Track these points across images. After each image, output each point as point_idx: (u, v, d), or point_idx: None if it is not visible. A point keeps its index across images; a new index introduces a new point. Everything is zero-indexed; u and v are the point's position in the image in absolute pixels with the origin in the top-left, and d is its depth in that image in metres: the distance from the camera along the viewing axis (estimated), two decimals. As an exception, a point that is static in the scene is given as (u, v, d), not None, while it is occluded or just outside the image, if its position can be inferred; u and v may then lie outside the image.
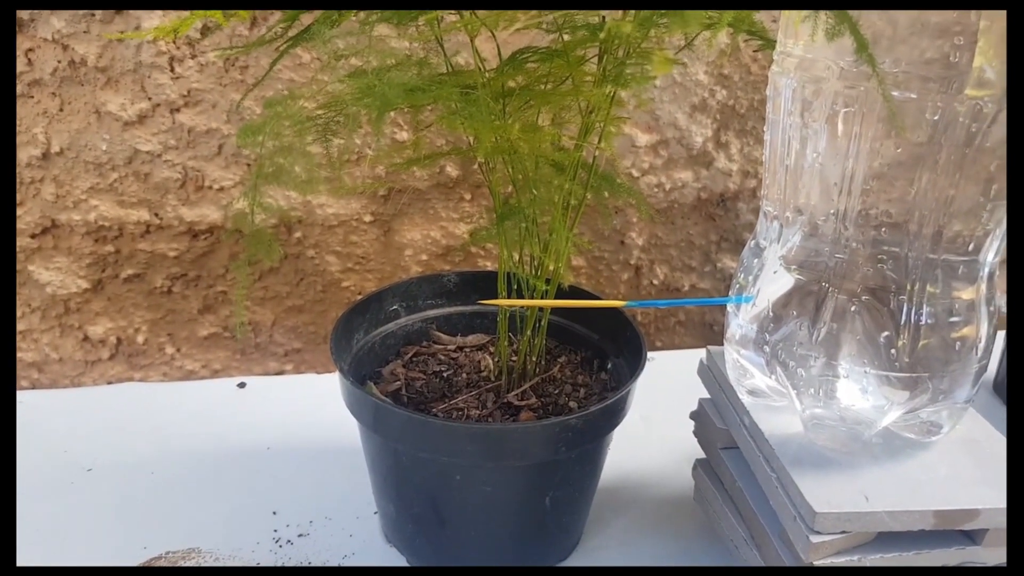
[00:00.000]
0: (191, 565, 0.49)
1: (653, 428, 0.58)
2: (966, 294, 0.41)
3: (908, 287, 0.41)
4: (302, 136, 0.37)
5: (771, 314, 0.44)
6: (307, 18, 0.45)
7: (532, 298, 0.48)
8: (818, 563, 0.41)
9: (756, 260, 0.46)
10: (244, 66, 0.70)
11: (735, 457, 0.48)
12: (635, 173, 0.80)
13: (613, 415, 0.45)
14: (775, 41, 0.44)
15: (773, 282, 0.44)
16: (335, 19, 0.43)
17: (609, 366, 0.53)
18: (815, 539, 0.40)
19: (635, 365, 0.47)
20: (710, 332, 0.88)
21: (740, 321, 0.45)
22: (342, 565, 0.49)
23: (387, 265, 0.79)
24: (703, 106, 0.79)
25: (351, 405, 0.45)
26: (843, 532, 0.40)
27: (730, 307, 0.47)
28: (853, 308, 0.41)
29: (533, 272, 0.47)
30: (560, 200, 0.43)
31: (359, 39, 0.54)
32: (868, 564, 0.41)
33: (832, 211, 0.41)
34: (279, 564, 0.49)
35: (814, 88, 0.40)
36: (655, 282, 0.85)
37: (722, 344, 0.49)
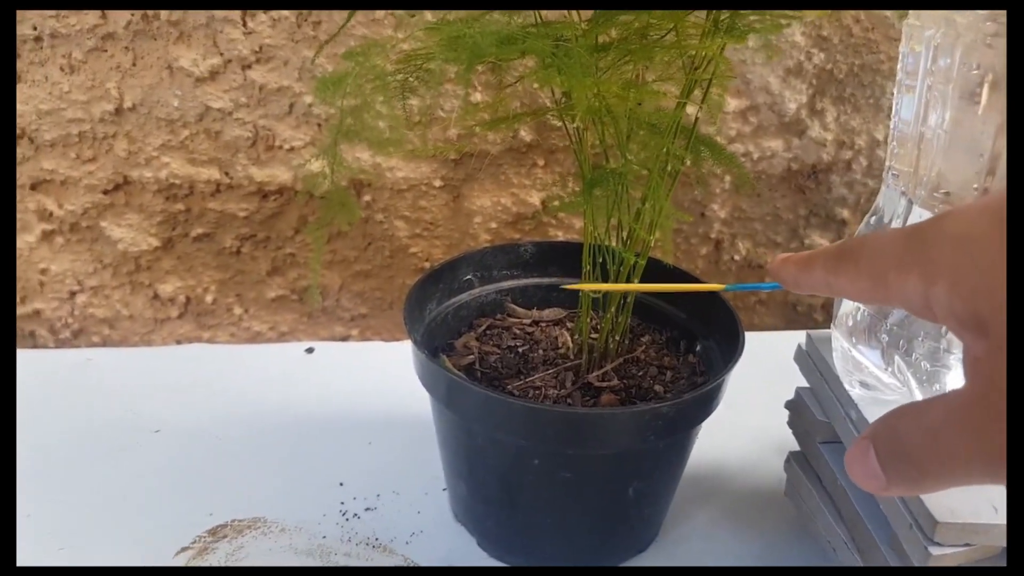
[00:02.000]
0: (255, 534, 0.47)
1: (740, 415, 0.54)
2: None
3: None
4: (385, 90, 0.34)
5: (890, 299, 0.39)
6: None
7: (619, 275, 0.44)
8: (933, 576, 0.37)
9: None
10: (316, 21, 0.67)
11: (837, 453, 0.44)
12: (721, 140, 0.75)
13: (707, 403, 0.41)
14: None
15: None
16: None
17: (698, 348, 0.49)
18: (935, 551, 0.36)
19: (730, 349, 0.44)
20: (793, 312, 0.83)
21: (854, 306, 0.41)
22: (410, 542, 0.47)
23: (455, 232, 0.77)
24: (798, 70, 0.73)
25: (424, 378, 0.43)
26: (966, 545, 0.36)
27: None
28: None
29: (623, 244, 0.44)
30: (657, 163, 0.39)
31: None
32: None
33: (976, 186, 0.36)
34: (345, 538, 0.48)
35: (960, 47, 0.35)
36: (736, 258, 0.80)
37: (811, 327, 0.45)
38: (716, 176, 0.77)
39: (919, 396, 0.39)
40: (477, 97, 0.70)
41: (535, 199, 0.76)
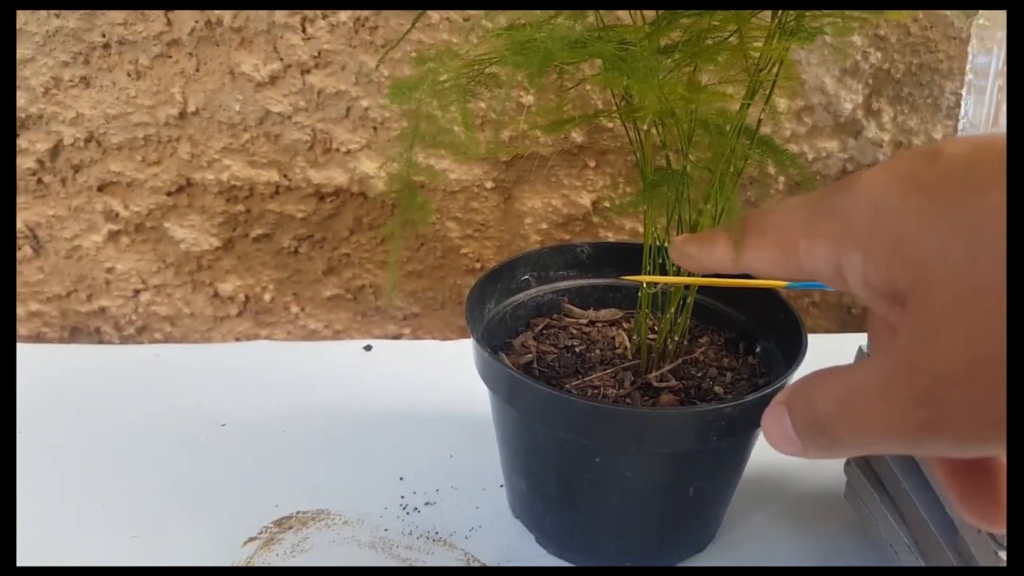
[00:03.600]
0: (320, 526, 0.49)
1: (796, 417, 0.53)
2: None
3: None
4: (459, 95, 0.35)
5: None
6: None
7: (678, 275, 0.44)
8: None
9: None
10: (374, 27, 0.69)
11: (900, 457, 0.44)
12: (775, 141, 0.74)
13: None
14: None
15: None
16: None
17: (757, 349, 0.49)
18: (1004, 555, 0.35)
19: (793, 351, 0.44)
20: (847, 315, 0.82)
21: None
22: (469, 537, 0.48)
23: (506, 233, 0.77)
24: (854, 69, 0.72)
25: (485, 375, 0.44)
26: (1036, 549, 0.35)
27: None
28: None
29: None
30: (721, 163, 0.40)
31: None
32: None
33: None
34: (406, 531, 0.49)
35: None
36: (789, 259, 0.80)
37: (864, 330, 0.45)
38: (770, 176, 0.76)
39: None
40: (529, 100, 0.70)
41: (586, 200, 0.76)
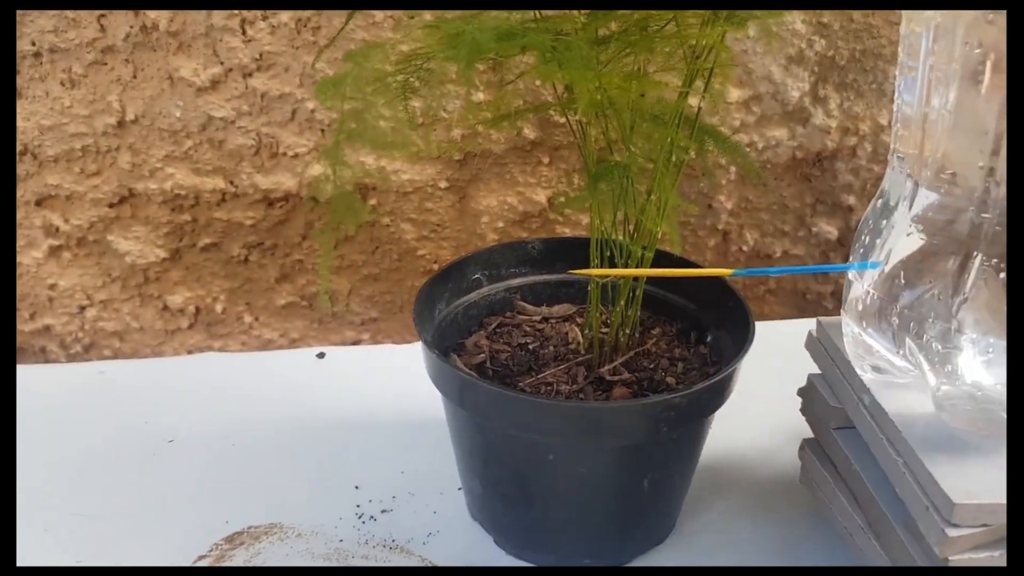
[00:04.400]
0: (272, 540, 0.48)
1: (753, 404, 0.53)
2: None
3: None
4: (386, 91, 0.34)
5: (903, 280, 0.39)
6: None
7: (627, 267, 0.44)
8: (953, 559, 0.36)
9: (884, 221, 0.41)
10: (316, 27, 0.68)
11: (851, 438, 0.44)
12: (725, 131, 0.74)
13: (719, 393, 0.41)
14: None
15: (904, 245, 0.39)
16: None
17: (708, 339, 0.49)
18: (952, 532, 0.35)
19: (741, 338, 0.43)
20: (803, 300, 0.83)
21: (864, 290, 0.41)
22: (427, 543, 0.48)
23: (463, 233, 0.77)
24: (800, 58, 0.73)
25: (436, 378, 0.43)
26: (984, 525, 0.36)
27: (851, 275, 0.42)
28: (999, 278, 0.36)
29: (629, 237, 0.44)
30: (662, 155, 0.39)
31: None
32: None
33: (980, 165, 0.36)
34: (362, 541, 0.48)
35: (961, 27, 0.35)
36: (744, 248, 0.80)
37: (822, 314, 0.45)
38: (722, 167, 0.76)
39: (931, 379, 0.39)
40: (480, 96, 0.70)
41: (541, 197, 0.76)
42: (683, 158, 0.42)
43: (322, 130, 0.71)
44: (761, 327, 0.75)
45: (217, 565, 0.46)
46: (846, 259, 0.44)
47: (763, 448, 0.55)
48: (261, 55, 0.67)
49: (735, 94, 0.73)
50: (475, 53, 0.31)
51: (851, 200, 0.79)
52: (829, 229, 0.80)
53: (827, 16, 0.72)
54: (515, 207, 0.76)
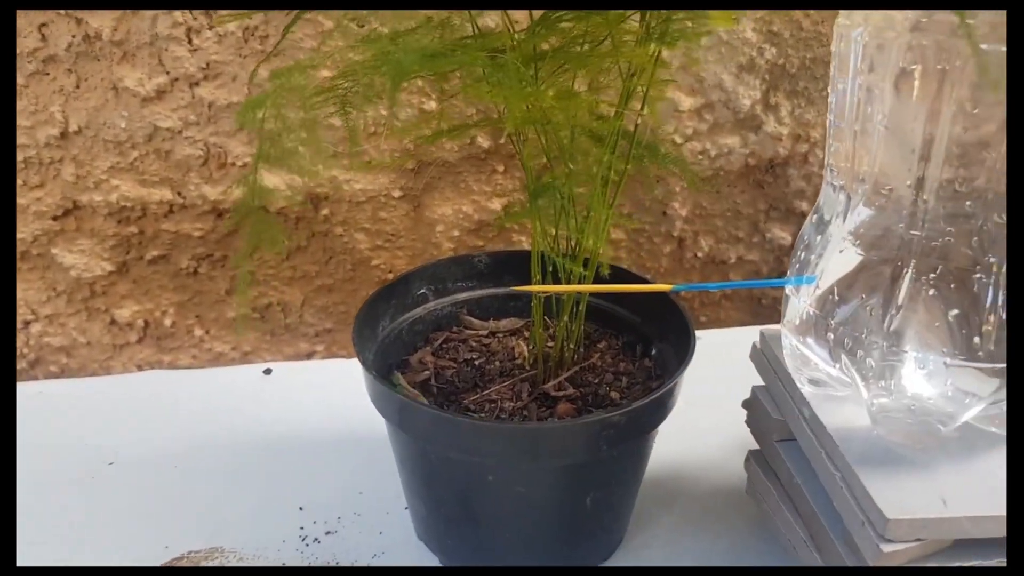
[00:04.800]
0: (214, 566, 0.47)
1: (701, 414, 0.54)
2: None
3: (994, 266, 0.36)
4: (308, 112, 0.34)
5: (836, 296, 0.39)
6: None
7: (569, 281, 0.44)
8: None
9: (819, 237, 0.41)
10: (264, 35, 0.67)
11: (793, 450, 0.44)
12: (678, 139, 0.75)
13: (659, 409, 0.41)
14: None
15: (839, 260, 0.39)
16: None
17: (653, 352, 0.49)
18: (886, 548, 0.36)
19: (682, 352, 0.43)
20: (758, 306, 0.84)
21: (800, 304, 0.41)
22: (371, 565, 0.47)
23: (418, 242, 0.76)
24: (751, 66, 0.73)
25: (375, 401, 0.42)
26: (917, 540, 0.36)
27: (789, 289, 0.42)
28: (931, 290, 0.37)
29: (571, 251, 0.43)
30: (599, 174, 0.39)
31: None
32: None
33: (909, 181, 0.36)
34: (305, 564, 0.47)
35: (888, 41, 0.35)
36: (699, 255, 0.80)
37: (775, 324, 0.45)
38: (675, 175, 0.77)
39: (865, 393, 0.39)
40: (432, 105, 0.69)
41: (496, 205, 0.75)
42: (617, 176, 0.42)
43: (272, 139, 0.70)
44: (713, 335, 0.76)
45: (156, 591, 0.45)
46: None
47: (711, 459, 0.55)
48: (208, 64, 0.66)
49: (687, 102, 0.73)
50: (400, 75, 0.31)
51: (804, 206, 0.80)
52: (783, 235, 0.81)
53: (777, 25, 0.72)
54: (470, 215, 0.76)
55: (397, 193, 0.73)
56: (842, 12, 0.37)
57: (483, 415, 0.44)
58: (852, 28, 0.36)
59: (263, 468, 0.55)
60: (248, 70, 0.67)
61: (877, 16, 0.35)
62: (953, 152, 0.35)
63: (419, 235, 0.76)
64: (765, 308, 0.84)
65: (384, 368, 0.48)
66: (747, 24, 0.72)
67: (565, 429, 0.39)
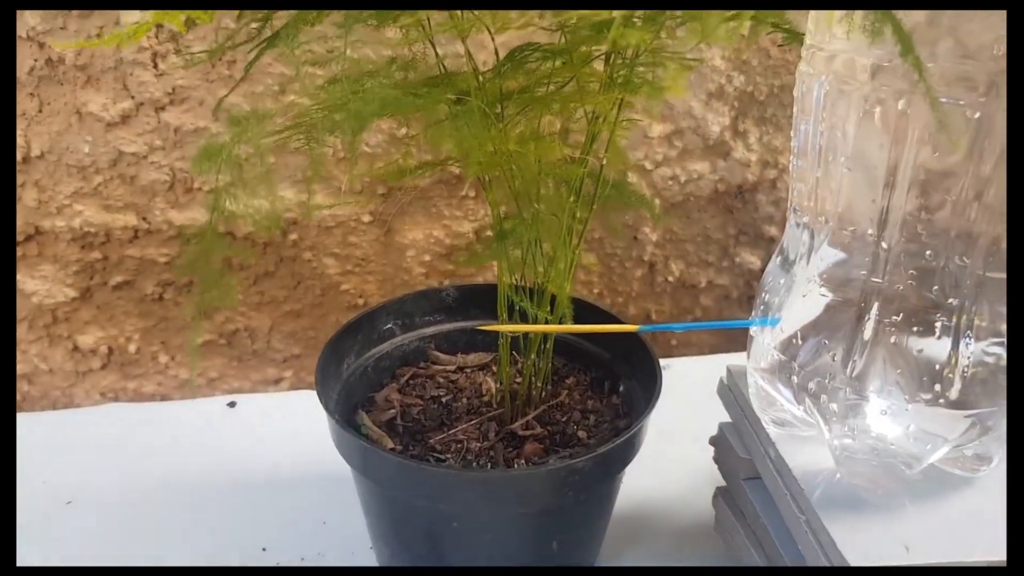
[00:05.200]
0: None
1: (671, 446, 0.53)
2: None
3: (956, 310, 0.36)
4: (264, 162, 0.33)
5: (800, 339, 0.39)
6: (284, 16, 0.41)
7: (536, 320, 0.44)
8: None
9: (783, 279, 0.41)
10: (232, 60, 0.66)
11: (759, 489, 0.44)
12: (648, 166, 0.75)
13: (625, 452, 0.41)
14: (803, 35, 0.39)
15: (802, 303, 0.39)
16: (312, 19, 0.38)
17: (621, 388, 0.49)
18: (849, 593, 0.36)
19: (649, 391, 0.43)
20: (731, 330, 0.84)
21: (765, 346, 0.41)
22: (336, 606, 0.46)
23: (388, 267, 0.75)
24: (720, 93, 0.74)
25: (339, 446, 0.42)
26: (881, 585, 0.36)
27: (753, 330, 0.42)
28: (893, 338, 0.37)
29: (538, 289, 0.43)
30: (564, 219, 0.39)
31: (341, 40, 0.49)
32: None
33: (871, 224, 0.36)
34: (269, 605, 0.46)
35: (848, 87, 0.35)
36: (670, 279, 0.81)
37: (745, 351, 0.45)
38: (647, 198, 0.77)
39: (828, 435, 0.40)
40: (404, 131, 0.68)
41: (468, 229, 0.75)
42: (587, 216, 0.42)
43: (239, 164, 0.69)
44: (683, 363, 0.76)
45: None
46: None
47: (680, 493, 0.55)
48: (174, 89, 0.65)
49: (657, 129, 0.73)
50: (359, 125, 0.31)
51: (773, 231, 0.80)
52: (752, 259, 0.81)
53: (746, 53, 0.73)
54: (441, 240, 0.75)
55: (367, 218, 0.73)
56: (803, 59, 0.38)
57: (449, 456, 0.43)
58: (814, 77, 0.36)
59: (226, 507, 0.53)
60: (215, 95, 0.66)
61: (838, 65, 0.36)
62: (915, 193, 0.36)
63: (389, 260, 0.75)
64: (738, 332, 0.84)
65: (349, 407, 0.47)
66: (716, 52, 0.72)
67: (530, 477, 0.39)
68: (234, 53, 0.66)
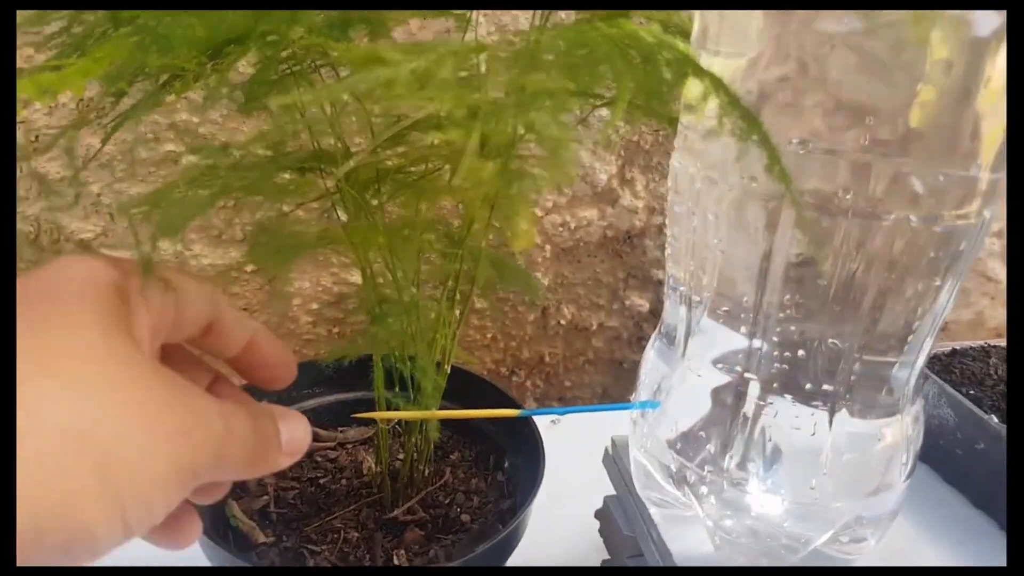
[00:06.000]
0: None
1: (562, 507, 0.53)
2: (892, 401, 0.38)
3: (832, 395, 0.37)
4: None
5: (677, 426, 0.40)
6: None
7: (417, 402, 0.42)
8: None
9: (661, 361, 0.42)
10: (101, 107, 0.62)
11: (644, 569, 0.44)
12: (538, 212, 0.75)
13: (505, 546, 0.40)
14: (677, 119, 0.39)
15: (680, 386, 0.40)
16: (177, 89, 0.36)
17: (506, 464, 0.48)
18: None
19: (533, 471, 0.43)
20: (620, 370, 0.85)
21: (645, 428, 0.41)
22: None
23: (273, 316, 0.73)
24: (607, 142, 0.74)
25: (204, 549, 0.39)
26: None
27: (632, 414, 0.43)
28: (768, 433, 0.38)
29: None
30: (443, 296, 0.38)
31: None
32: None
33: (746, 314, 0.37)
34: None
35: (719, 174, 0.36)
36: (562, 322, 0.81)
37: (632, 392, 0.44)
38: (537, 247, 0.77)
39: (702, 514, 0.40)
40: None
41: (357, 277, 0.73)
42: (467, 296, 0.41)
43: (110, 214, 0.65)
44: (573, 421, 0.75)
45: None
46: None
47: (571, 559, 0.54)
48: (37, 137, 0.61)
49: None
50: (171, 232, 0.29)
51: (660, 274, 0.82)
52: (641, 302, 0.83)
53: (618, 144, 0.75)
54: (329, 288, 0.73)
55: (250, 267, 0.70)
56: (675, 156, 0.38)
57: (325, 547, 0.41)
58: (688, 157, 0.37)
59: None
60: (83, 142, 0.62)
61: (710, 163, 0.36)
62: (790, 276, 0.36)
63: (275, 309, 0.72)
64: (627, 371, 0.86)
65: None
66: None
67: (406, 579, 0.37)
68: (101, 100, 0.62)
